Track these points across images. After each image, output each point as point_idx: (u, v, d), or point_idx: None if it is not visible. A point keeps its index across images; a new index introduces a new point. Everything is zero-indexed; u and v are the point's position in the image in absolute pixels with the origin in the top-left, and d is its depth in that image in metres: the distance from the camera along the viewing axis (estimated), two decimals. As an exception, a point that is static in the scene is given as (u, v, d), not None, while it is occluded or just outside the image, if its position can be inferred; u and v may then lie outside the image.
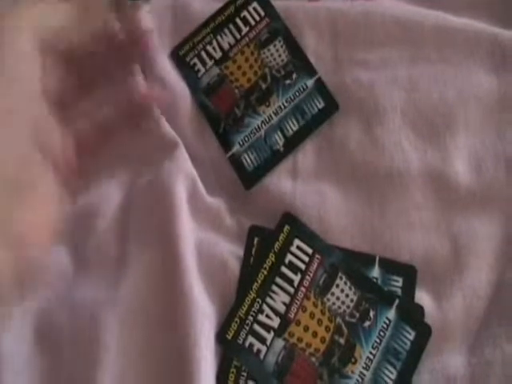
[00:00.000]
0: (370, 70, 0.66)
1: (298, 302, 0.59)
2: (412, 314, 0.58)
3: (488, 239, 0.62)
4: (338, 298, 0.59)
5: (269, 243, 0.60)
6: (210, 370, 0.57)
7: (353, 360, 0.57)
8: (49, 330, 0.59)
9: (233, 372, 0.58)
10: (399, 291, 0.59)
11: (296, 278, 0.59)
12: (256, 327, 0.58)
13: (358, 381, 0.57)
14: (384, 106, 0.65)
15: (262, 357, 0.58)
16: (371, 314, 0.58)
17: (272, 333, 0.58)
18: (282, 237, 0.60)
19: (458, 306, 0.60)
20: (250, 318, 0.58)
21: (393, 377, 0.57)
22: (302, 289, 0.59)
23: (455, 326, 0.59)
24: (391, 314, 0.58)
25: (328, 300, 0.59)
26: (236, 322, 0.58)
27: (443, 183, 0.63)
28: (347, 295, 0.59)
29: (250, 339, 0.58)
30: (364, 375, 0.57)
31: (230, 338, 0.58)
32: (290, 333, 0.58)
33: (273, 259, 0.60)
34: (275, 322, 0.58)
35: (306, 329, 0.58)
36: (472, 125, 0.64)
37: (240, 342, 0.58)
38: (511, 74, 0.65)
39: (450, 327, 0.59)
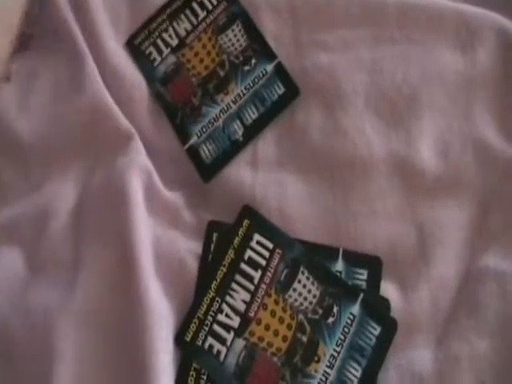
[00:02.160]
0: (332, 52, 0.64)
1: (259, 300, 0.57)
2: (377, 309, 0.56)
3: (455, 227, 0.60)
4: (300, 294, 0.57)
5: (228, 239, 0.58)
6: (168, 374, 0.55)
7: (316, 358, 0.56)
8: (2, 335, 0.57)
9: (192, 375, 0.56)
10: (364, 284, 0.57)
11: (256, 275, 0.58)
12: (216, 328, 0.56)
13: (321, 380, 0.55)
14: (346, 90, 0.63)
15: (222, 358, 0.56)
16: (335, 309, 0.56)
17: (232, 333, 0.56)
18: (241, 232, 0.58)
19: (425, 298, 0.58)
20: (210, 318, 0.56)
21: (358, 374, 0.55)
22: (263, 286, 0.57)
23: (422, 318, 0.57)
24: (355, 309, 0.56)
25: (290, 296, 0.57)
26: (195, 323, 0.56)
27: (408, 169, 0.61)
28: (309, 291, 0.57)
29: (210, 340, 0.56)
30: (328, 374, 0.55)
31: (188, 339, 0.56)
32: (251, 332, 0.56)
33: (232, 255, 0.58)
34: (235, 322, 0.56)
35: (268, 327, 0.56)
36: (437, 106, 0.62)
37: (199, 343, 0.56)
38: (478, 53, 0.63)
39: (416, 320, 0.57)
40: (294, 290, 0.57)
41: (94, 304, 0.57)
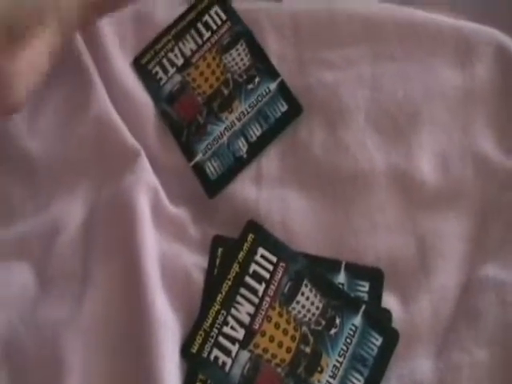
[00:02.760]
0: (334, 69, 0.65)
1: (263, 312, 0.58)
2: (379, 320, 0.57)
3: (455, 239, 0.61)
4: (303, 307, 0.58)
5: (232, 253, 0.60)
6: (174, 384, 0.56)
7: (319, 369, 0.56)
8: (12, 349, 0.58)
9: None
10: (366, 296, 0.58)
11: (260, 288, 0.59)
12: (221, 339, 0.57)
13: None
14: (348, 107, 0.64)
15: (227, 369, 0.57)
16: (337, 321, 0.57)
17: (237, 345, 0.57)
18: (245, 246, 0.60)
19: (426, 309, 0.59)
20: (215, 330, 0.57)
21: None
22: (267, 298, 0.58)
23: (422, 329, 0.58)
24: (357, 320, 0.57)
25: (293, 309, 0.58)
26: (200, 335, 0.57)
27: (408, 183, 0.62)
28: (313, 303, 0.58)
29: (215, 352, 0.57)
30: None
31: (194, 351, 0.57)
32: (255, 344, 0.57)
33: (237, 269, 0.59)
34: (240, 334, 0.57)
35: (272, 339, 0.57)
36: (438, 122, 0.63)
37: (205, 355, 0.57)
38: (476, 68, 0.64)
39: (417, 331, 0.58)
40: (298, 302, 0.58)
41: (101, 317, 0.58)
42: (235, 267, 0.59)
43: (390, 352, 0.57)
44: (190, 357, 0.57)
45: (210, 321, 0.58)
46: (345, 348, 0.57)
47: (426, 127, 0.63)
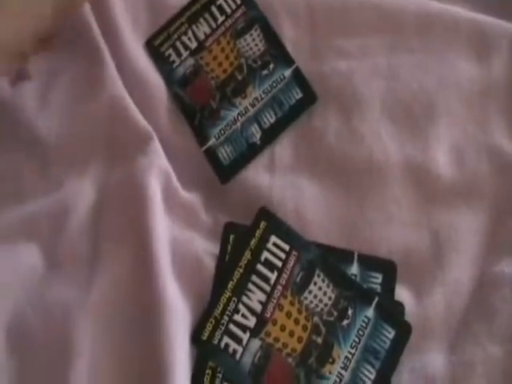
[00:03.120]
0: (349, 58, 0.64)
1: (275, 301, 0.57)
2: (392, 312, 0.57)
3: (470, 233, 0.60)
4: (315, 296, 0.58)
5: (244, 240, 0.59)
6: (184, 371, 0.55)
7: (330, 360, 0.56)
8: (20, 331, 0.57)
9: (208, 373, 0.56)
10: (379, 288, 0.58)
11: (272, 276, 0.58)
12: (232, 327, 0.57)
13: (336, 381, 0.55)
14: (363, 96, 0.63)
15: (237, 357, 0.56)
16: (349, 312, 0.57)
17: (248, 333, 0.57)
18: (258, 233, 0.59)
19: (439, 303, 0.58)
20: (226, 317, 0.57)
21: (372, 377, 0.56)
22: (279, 287, 0.58)
23: (436, 323, 0.58)
24: (370, 312, 0.57)
25: (305, 298, 0.57)
26: (211, 322, 0.57)
27: (423, 175, 0.61)
28: (325, 293, 0.58)
29: (226, 339, 0.57)
30: (342, 376, 0.55)
31: (205, 338, 0.57)
32: (267, 332, 0.57)
33: (249, 257, 0.59)
34: (251, 322, 0.57)
35: (283, 328, 0.57)
36: (453, 114, 0.63)
37: (215, 342, 0.57)
38: (492, 61, 0.64)
39: (430, 325, 0.58)
40: (310, 292, 0.58)
41: (111, 300, 0.57)
42: (247, 254, 0.58)
43: (403, 345, 0.56)
44: (200, 343, 0.57)
45: (220, 308, 0.57)
46: (357, 340, 0.56)
47: (441, 119, 0.62)
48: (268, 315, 0.57)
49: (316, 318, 0.57)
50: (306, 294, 0.58)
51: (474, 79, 0.63)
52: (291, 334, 0.57)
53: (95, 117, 0.63)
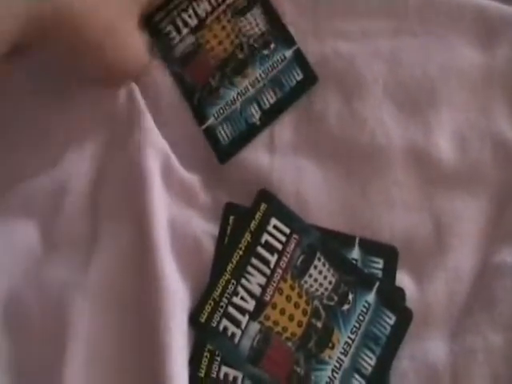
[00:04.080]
0: (351, 41, 0.63)
1: (275, 284, 0.57)
2: (393, 298, 0.56)
3: (472, 221, 0.60)
4: (315, 280, 0.57)
5: (245, 222, 0.58)
6: (181, 354, 0.55)
7: (330, 345, 0.56)
8: (17, 311, 0.56)
9: (206, 356, 0.56)
10: (380, 273, 0.57)
11: (272, 259, 0.57)
12: (231, 310, 0.56)
13: (335, 366, 0.55)
14: (365, 79, 0.62)
15: (236, 341, 0.56)
16: (350, 297, 0.57)
17: (247, 316, 0.56)
18: (258, 215, 0.58)
19: (440, 290, 0.58)
20: (225, 300, 0.56)
21: (372, 363, 0.55)
22: (279, 270, 0.57)
23: (437, 310, 0.58)
24: (371, 297, 0.56)
25: (305, 282, 0.57)
26: (210, 304, 0.56)
27: (425, 160, 0.61)
28: (325, 277, 0.57)
29: (225, 322, 0.56)
30: (342, 361, 0.55)
31: (203, 321, 0.56)
32: (266, 316, 0.56)
33: (248, 239, 0.58)
34: (250, 305, 0.56)
35: (283, 312, 0.56)
36: (456, 101, 0.62)
37: (214, 325, 0.56)
38: (496, 48, 0.63)
39: (431, 312, 0.58)
40: (310, 275, 0.57)
41: (109, 281, 0.56)
42: (247, 236, 0.58)
43: (403, 331, 0.56)
44: (199, 326, 0.56)
45: (219, 290, 0.56)
46: (357, 325, 0.56)
47: (444, 105, 0.62)
48: (267, 298, 0.57)
49: (316, 302, 0.57)
50: (306, 277, 0.57)
51: (478, 65, 0.63)
52: (291, 317, 0.56)
53: (92, 94, 0.62)
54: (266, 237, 0.58)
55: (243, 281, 0.57)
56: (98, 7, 0.55)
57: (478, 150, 0.61)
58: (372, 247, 0.58)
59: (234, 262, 0.57)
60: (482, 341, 0.56)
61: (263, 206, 0.58)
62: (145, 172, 0.58)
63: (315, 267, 0.57)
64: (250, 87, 0.62)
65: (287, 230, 0.58)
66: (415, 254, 0.59)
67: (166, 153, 0.60)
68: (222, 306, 0.56)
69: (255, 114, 0.62)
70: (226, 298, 0.56)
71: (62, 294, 0.56)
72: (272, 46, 0.63)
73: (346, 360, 0.55)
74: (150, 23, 0.64)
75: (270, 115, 0.62)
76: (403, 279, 0.58)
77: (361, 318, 0.56)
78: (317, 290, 0.57)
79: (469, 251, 0.59)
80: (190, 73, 0.63)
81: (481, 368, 0.55)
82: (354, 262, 0.58)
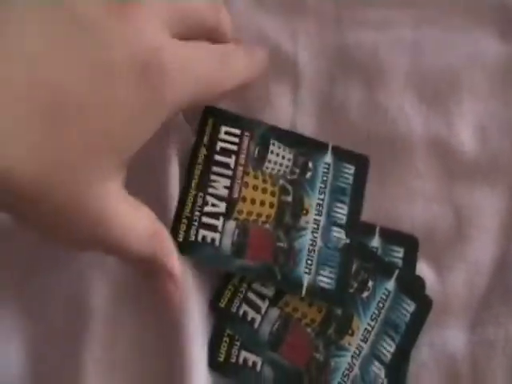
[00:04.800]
0: (373, 30, 0.63)
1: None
2: (412, 286, 0.56)
3: (492, 212, 0.60)
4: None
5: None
6: (201, 338, 0.55)
7: (350, 332, 0.56)
8: (35, 288, 0.57)
9: (226, 341, 0.56)
10: (400, 262, 0.57)
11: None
12: (250, 295, 0.56)
13: (355, 353, 0.55)
14: (387, 68, 0.62)
15: (256, 326, 0.56)
16: (370, 284, 0.56)
17: (267, 302, 0.56)
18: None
19: (460, 281, 0.58)
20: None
21: (391, 350, 0.55)
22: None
23: (456, 301, 0.58)
24: (390, 284, 0.56)
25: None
26: (230, 289, 0.57)
27: (447, 151, 0.61)
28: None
29: (244, 307, 0.56)
30: (362, 348, 0.55)
31: (222, 305, 0.56)
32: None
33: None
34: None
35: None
36: (478, 91, 0.62)
37: (234, 310, 0.56)
38: (516, 37, 0.63)
39: (450, 302, 0.58)
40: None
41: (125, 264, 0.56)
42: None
43: (423, 319, 0.56)
44: (218, 311, 0.57)
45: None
46: (377, 312, 0.56)
47: (465, 96, 0.62)
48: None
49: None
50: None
51: (499, 56, 0.63)
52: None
53: None
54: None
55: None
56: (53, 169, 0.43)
57: (498, 142, 0.61)
58: (393, 236, 0.58)
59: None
60: (502, 332, 0.56)
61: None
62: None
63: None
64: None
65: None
66: (435, 245, 0.59)
67: None
68: (241, 292, 0.56)
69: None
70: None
71: (80, 273, 0.56)
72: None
73: (366, 347, 0.55)
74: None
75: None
76: (423, 269, 0.58)
77: (380, 305, 0.56)
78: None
79: (488, 243, 0.59)
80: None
81: (500, 360, 0.56)
82: (375, 250, 0.58)
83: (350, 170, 0.57)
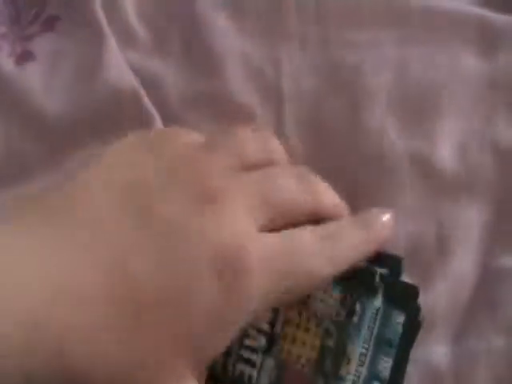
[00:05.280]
0: (359, 49, 0.65)
1: (282, 317, 0.56)
2: (399, 297, 0.55)
3: (473, 227, 0.60)
4: (321, 301, 0.56)
5: None
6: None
7: (347, 360, 0.54)
8: None
9: None
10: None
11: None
12: (243, 352, 0.55)
13: (354, 380, 0.54)
14: (371, 88, 0.63)
15: (254, 381, 0.55)
16: (357, 307, 0.55)
17: (260, 354, 0.55)
18: None
19: (443, 295, 0.58)
20: (236, 346, 0.55)
21: (389, 365, 0.53)
22: None
23: (440, 314, 0.58)
24: (378, 301, 0.55)
25: (312, 305, 0.56)
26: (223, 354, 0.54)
27: (429, 168, 0.61)
28: (331, 295, 0.56)
29: (240, 367, 0.55)
30: (360, 372, 0.53)
31: (218, 371, 0.55)
32: (279, 349, 0.55)
33: None
34: (262, 342, 0.55)
35: (294, 340, 0.55)
36: (460, 109, 0.63)
37: (230, 372, 0.55)
38: (500, 58, 0.64)
39: (434, 316, 0.57)
40: (315, 298, 0.56)
41: None
42: None
43: (416, 328, 0.54)
44: (215, 378, 0.55)
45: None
46: (369, 333, 0.54)
47: (448, 113, 0.62)
48: (278, 331, 0.56)
49: (326, 322, 0.55)
50: (311, 300, 0.56)
51: (481, 74, 0.63)
52: (303, 343, 0.55)
53: (99, 98, 0.64)
54: None
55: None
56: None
57: (479, 158, 0.61)
58: (376, 257, 0.56)
59: None
60: (485, 344, 0.56)
61: None
62: None
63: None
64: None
65: None
66: (418, 261, 0.59)
67: None
68: (234, 351, 0.55)
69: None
70: (238, 343, 0.55)
71: None
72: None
73: (364, 370, 0.53)
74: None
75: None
76: (405, 283, 0.57)
77: (372, 324, 0.54)
78: (324, 309, 0.56)
79: (470, 257, 0.59)
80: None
81: (484, 371, 0.55)
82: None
83: (399, 318, 0.54)
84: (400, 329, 0.54)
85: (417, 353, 0.55)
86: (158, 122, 0.63)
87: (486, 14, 0.65)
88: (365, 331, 0.54)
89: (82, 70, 0.66)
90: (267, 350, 0.55)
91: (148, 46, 0.68)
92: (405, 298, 0.55)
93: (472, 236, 0.60)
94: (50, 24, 0.69)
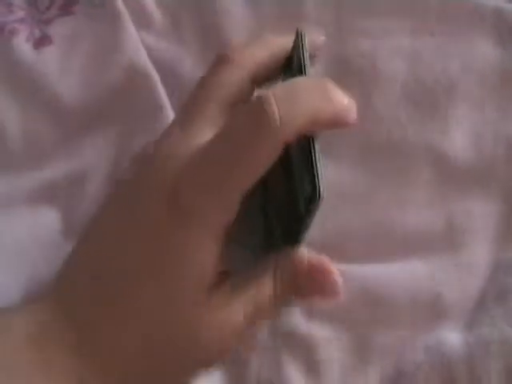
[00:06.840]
0: (372, 38, 0.65)
1: None
2: None
3: (485, 218, 0.60)
4: None
5: None
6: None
7: None
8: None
9: None
10: None
11: None
12: None
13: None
14: (385, 77, 0.63)
15: None
16: None
17: None
18: None
19: (454, 284, 0.58)
20: None
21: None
22: None
23: (450, 302, 0.58)
24: None
25: None
26: None
27: (441, 159, 0.61)
28: None
29: None
30: None
31: None
32: None
33: None
34: None
35: None
36: (474, 100, 0.63)
37: None
38: (515, 48, 0.64)
39: (444, 304, 0.58)
40: None
41: None
42: None
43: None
44: None
45: None
46: None
47: (461, 104, 0.62)
48: None
49: None
50: None
51: (496, 65, 0.64)
52: None
53: (113, 84, 0.64)
54: None
55: None
56: None
57: (492, 148, 0.61)
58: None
59: None
60: (497, 333, 0.56)
61: None
62: None
63: None
64: None
65: None
66: (428, 251, 0.59)
67: None
68: None
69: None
70: None
71: None
72: None
73: None
74: None
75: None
76: (417, 271, 0.59)
77: None
78: None
79: (481, 248, 0.59)
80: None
81: (496, 360, 0.56)
82: None
83: None
84: None
85: (429, 339, 0.57)
86: (168, 111, 0.63)
87: (502, 4, 0.65)
88: None
89: (99, 53, 0.65)
90: None
91: (164, 31, 0.67)
92: None
93: (484, 226, 0.60)
94: (67, 8, 0.68)
